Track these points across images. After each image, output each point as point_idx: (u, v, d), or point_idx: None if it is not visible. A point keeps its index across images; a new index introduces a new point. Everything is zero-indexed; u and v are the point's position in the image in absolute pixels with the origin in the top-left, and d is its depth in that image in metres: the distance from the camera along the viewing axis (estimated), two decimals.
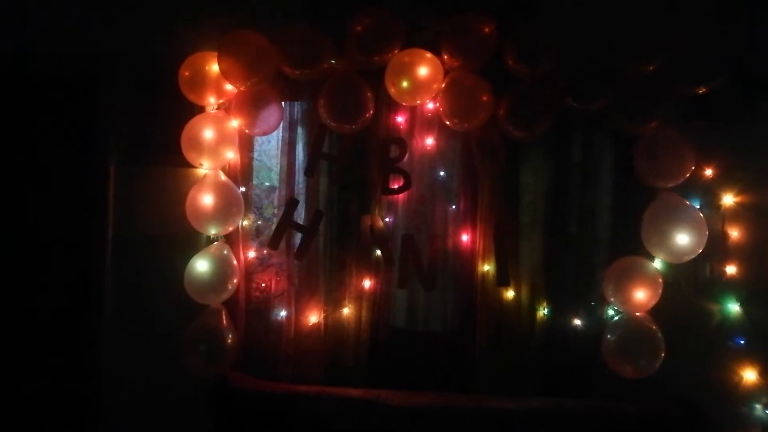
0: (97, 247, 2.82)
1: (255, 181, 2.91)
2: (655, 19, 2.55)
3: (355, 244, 2.76)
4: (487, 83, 2.46)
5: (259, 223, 2.91)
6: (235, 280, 2.67)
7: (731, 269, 2.60)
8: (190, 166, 2.66)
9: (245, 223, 2.83)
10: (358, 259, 2.76)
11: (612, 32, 2.44)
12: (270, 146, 2.92)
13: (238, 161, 2.77)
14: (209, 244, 2.69)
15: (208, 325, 2.59)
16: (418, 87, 2.47)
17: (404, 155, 2.63)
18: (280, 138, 2.82)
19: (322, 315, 2.80)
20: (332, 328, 2.80)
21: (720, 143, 2.56)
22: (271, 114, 2.59)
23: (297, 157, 2.81)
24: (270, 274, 2.85)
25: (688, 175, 2.44)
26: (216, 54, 2.47)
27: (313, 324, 2.79)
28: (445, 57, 2.47)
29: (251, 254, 2.85)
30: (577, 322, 2.69)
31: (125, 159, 2.84)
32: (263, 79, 2.53)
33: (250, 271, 2.84)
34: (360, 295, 2.76)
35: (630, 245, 2.55)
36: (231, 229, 2.70)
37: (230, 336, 2.61)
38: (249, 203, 2.84)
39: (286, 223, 2.69)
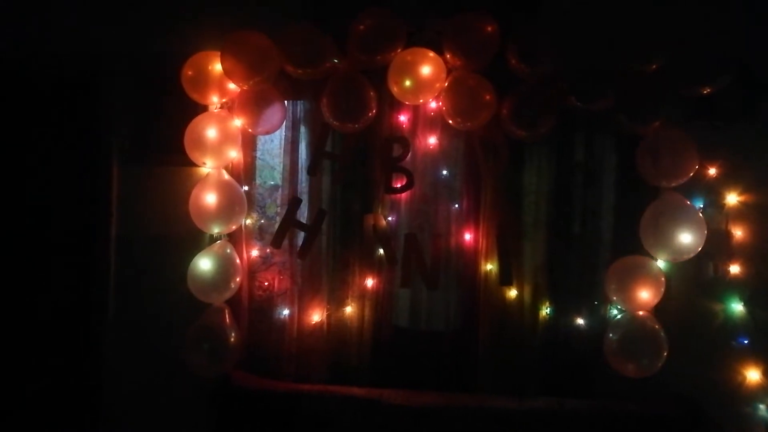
0: (100, 247, 2.82)
1: (258, 180, 2.92)
2: (655, 19, 2.55)
3: (358, 243, 2.76)
4: (490, 82, 2.45)
5: (262, 221, 2.92)
6: (238, 279, 2.67)
7: (735, 268, 2.59)
8: (192, 165, 2.67)
9: (248, 221, 2.83)
10: (361, 258, 2.77)
11: (613, 32, 2.44)
12: (273, 145, 2.93)
13: (241, 160, 2.77)
14: (212, 243, 2.69)
15: (211, 323, 2.60)
16: (420, 86, 2.47)
17: (407, 154, 2.63)
18: (283, 137, 2.82)
19: (325, 314, 2.80)
20: (335, 327, 2.80)
21: (722, 143, 2.57)
22: (274, 113, 2.59)
23: (300, 156, 2.81)
24: (273, 272, 2.86)
25: (691, 174, 2.44)
26: (219, 53, 2.48)
27: (316, 323, 2.80)
28: (448, 57, 2.47)
29: (254, 253, 2.85)
30: (580, 321, 2.70)
31: (127, 159, 2.85)
32: (266, 79, 2.53)
33: (253, 270, 2.85)
34: (363, 294, 2.77)
35: (632, 245, 2.55)
36: (234, 227, 2.71)
37: (233, 335, 2.62)
38: (252, 202, 2.85)
39: (289, 222, 2.70)
